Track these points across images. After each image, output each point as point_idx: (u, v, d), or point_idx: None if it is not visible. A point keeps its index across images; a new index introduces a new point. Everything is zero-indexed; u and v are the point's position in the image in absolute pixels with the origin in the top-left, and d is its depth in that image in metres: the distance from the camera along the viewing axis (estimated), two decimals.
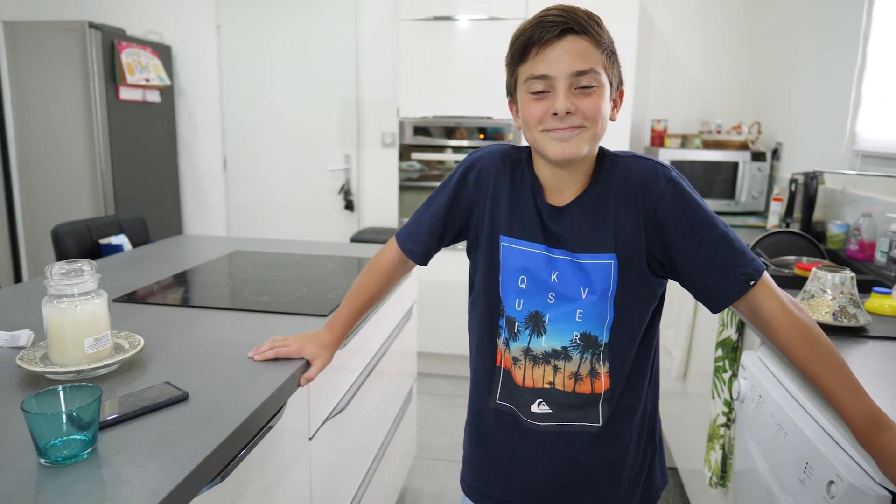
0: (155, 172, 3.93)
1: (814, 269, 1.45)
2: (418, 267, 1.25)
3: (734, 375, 1.68)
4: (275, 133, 4.05)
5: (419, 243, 1.17)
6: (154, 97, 3.83)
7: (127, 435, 0.90)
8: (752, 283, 0.97)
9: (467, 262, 1.17)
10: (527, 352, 1.05)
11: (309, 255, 2.13)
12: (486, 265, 1.09)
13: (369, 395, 1.73)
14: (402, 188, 3.44)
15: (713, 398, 1.75)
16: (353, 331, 1.48)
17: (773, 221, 2.75)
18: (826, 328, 1.32)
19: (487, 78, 3.22)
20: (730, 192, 3.18)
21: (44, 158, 3.53)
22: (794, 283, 1.76)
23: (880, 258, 2.04)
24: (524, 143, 1.06)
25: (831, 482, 0.99)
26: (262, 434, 1.06)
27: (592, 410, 1.04)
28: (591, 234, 1.00)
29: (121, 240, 2.40)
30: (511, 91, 1.04)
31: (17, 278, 3.76)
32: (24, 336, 1.25)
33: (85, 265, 1.11)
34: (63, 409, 0.86)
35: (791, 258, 2.09)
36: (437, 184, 1.29)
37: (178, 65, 4.05)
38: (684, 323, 2.25)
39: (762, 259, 2.04)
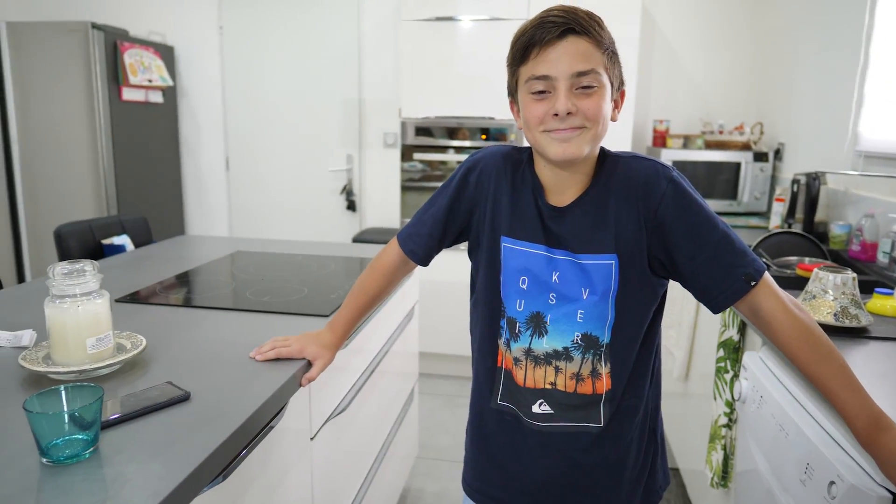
0: (157, 173, 3.94)
1: (815, 270, 1.45)
2: (420, 267, 1.26)
3: (736, 376, 1.67)
4: (277, 133, 4.05)
5: (420, 244, 1.18)
6: (157, 98, 3.84)
7: (128, 434, 0.90)
8: (752, 283, 0.97)
9: (469, 262, 1.17)
10: (528, 352, 1.05)
11: (311, 255, 2.14)
12: (487, 266, 1.09)
13: (371, 396, 1.74)
14: (404, 188, 3.44)
15: (715, 399, 1.75)
16: (355, 331, 1.49)
17: (775, 222, 2.75)
18: (827, 329, 1.32)
19: (489, 78, 3.22)
20: (732, 192, 3.18)
21: (47, 159, 3.54)
22: (795, 283, 1.76)
23: (882, 259, 2.03)
24: (526, 143, 1.06)
25: (832, 483, 0.99)
26: (264, 434, 1.06)
27: (594, 411, 1.04)
28: (592, 235, 1.01)
29: (123, 240, 2.40)
30: (512, 91, 1.04)
31: (20, 278, 3.77)
32: (27, 336, 1.26)
33: (87, 265, 1.11)
34: (65, 408, 0.87)
35: (793, 259, 2.08)
36: (439, 184, 1.30)
37: (181, 65, 4.06)
38: (686, 323, 2.25)
39: (764, 259, 2.05)
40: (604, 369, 1.03)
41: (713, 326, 1.91)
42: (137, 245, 2.47)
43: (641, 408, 1.08)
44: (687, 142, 3.35)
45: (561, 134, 0.95)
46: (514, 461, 1.11)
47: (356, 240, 3.62)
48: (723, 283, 0.98)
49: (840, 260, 2.20)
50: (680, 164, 3.18)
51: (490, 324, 1.10)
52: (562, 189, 1.03)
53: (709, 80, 3.61)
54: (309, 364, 1.20)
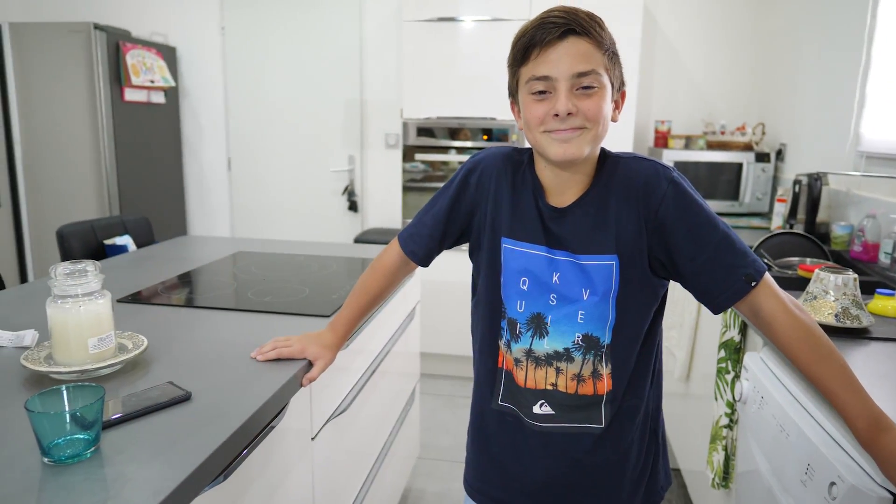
0: (159, 173, 3.94)
1: (816, 271, 1.45)
2: (421, 268, 1.26)
3: (737, 376, 1.67)
4: (279, 134, 4.06)
5: (420, 244, 1.18)
6: (159, 98, 3.85)
7: (130, 434, 0.90)
8: (753, 283, 0.97)
9: (470, 263, 1.17)
10: (529, 353, 1.05)
11: (312, 255, 2.14)
12: (488, 267, 1.09)
13: (372, 396, 1.74)
14: (406, 189, 3.44)
15: (716, 399, 1.75)
16: (356, 331, 1.49)
17: (776, 222, 2.75)
18: (828, 330, 1.32)
19: (491, 79, 3.22)
20: (734, 193, 3.17)
21: (49, 159, 3.55)
22: (797, 284, 1.76)
23: (884, 259, 2.03)
24: (527, 144, 1.06)
25: (833, 483, 0.99)
26: (265, 434, 1.06)
27: (595, 412, 1.04)
28: (593, 235, 1.01)
29: (125, 240, 2.41)
30: (513, 92, 1.04)
31: (23, 278, 3.78)
32: (29, 336, 1.26)
33: (89, 266, 1.11)
34: (66, 408, 0.87)
35: (795, 259, 2.08)
36: (441, 184, 1.30)
37: (183, 66, 4.07)
38: (687, 324, 2.25)
39: (765, 260, 2.05)
40: (605, 370, 1.03)
41: (714, 327, 1.91)
42: (139, 245, 2.48)
43: (642, 408, 1.08)
44: (689, 142, 3.35)
45: (561, 134, 0.95)
46: (514, 462, 1.11)
47: (358, 240, 3.62)
48: (723, 284, 0.98)
49: (842, 261, 2.20)
50: (682, 165, 3.18)
51: (491, 325, 1.11)
52: (562, 190, 1.03)
53: (710, 80, 3.61)
54: (310, 364, 1.21)
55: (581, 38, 0.93)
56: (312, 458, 1.31)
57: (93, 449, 0.85)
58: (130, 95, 3.60)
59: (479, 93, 3.26)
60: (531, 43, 0.94)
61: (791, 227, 2.60)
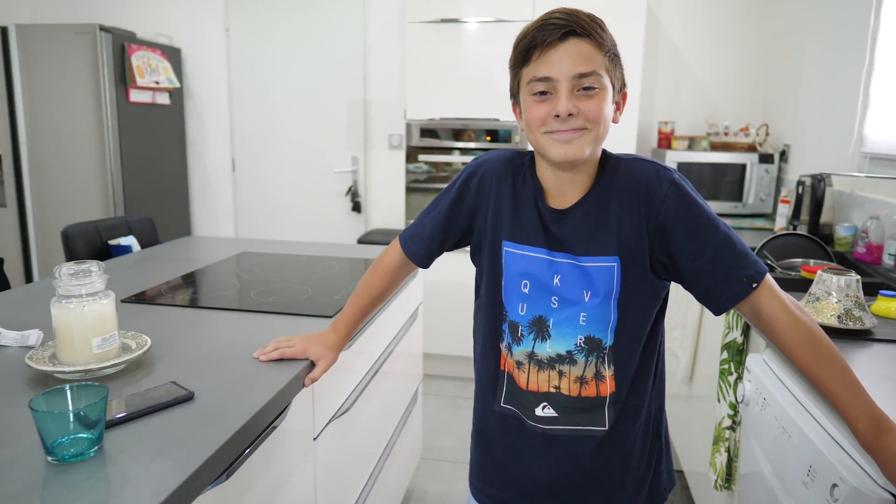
0: (164, 174, 3.96)
1: (819, 272, 1.45)
2: (423, 269, 1.27)
3: (739, 378, 1.67)
4: (283, 135, 4.07)
5: (421, 245, 1.19)
6: (163, 99, 3.86)
7: (133, 434, 0.91)
8: (754, 285, 0.97)
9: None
10: (531, 356, 1.05)
11: (315, 256, 2.14)
12: (489, 270, 1.10)
13: (374, 396, 1.74)
14: (410, 190, 3.44)
15: (718, 401, 1.75)
16: (359, 331, 1.49)
17: (780, 223, 2.74)
18: (831, 331, 1.32)
19: (494, 80, 3.23)
20: (737, 194, 3.17)
21: (54, 160, 3.57)
22: (800, 285, 1.75)
23: (888, 261, 2.03)
24: (530, 146, 1.07)
25: (834, 485, 0.99)
26: (267, 434, 1.07)
27: (599, 414, 1.04)
28: (594, 237, 1.01)
29: (130, 241, 2.42)
30: (514, 93, 1.04)
31: (28, 278, 3.80)
32: (34, 336, 1.27)
33: (93, 266, 1.12)
34: (70, 407, 0.88)
35: (798, 261, 2.08)
36: (445, 185, 1.31)
37: (188, 67, 4.08)
38: (690, 325, 2.25)
39: (768, 261, 2.04)
40: (607, 372, 1.03)
41: (717, 328, 1.91)
42: (144, 246, 2.49)
43: (644, 409, 1.08)
44: (692, 143, 3.35)
45: (562, 135, 0.96)
46: (516, 463, 1.11)
47: (361, 241, 3.63)
48: (724, 285, 0.98)
49: (845, 262, 2.20)
50: (685, 166, 3.18)
51: (492, 327, 1.11)
52: (563, 191, 1.03)
53: (714, 81, 3.60)
54: (312, 364, 1.21)
55: (582, 39, 0.93)
56: (314, 458, 1.31)
57: (96, 448, 0.85)
58: (135, 96, 3.61)
59: (483, 94, 3.27)
60: (532, 44, 0.95)
61: (794, 228, 2.59)
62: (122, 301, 1.57)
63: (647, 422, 1.10)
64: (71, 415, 0.85)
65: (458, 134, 3.35)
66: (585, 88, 0.94)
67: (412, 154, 3.40)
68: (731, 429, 1.67)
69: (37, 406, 0.83)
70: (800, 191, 2.59)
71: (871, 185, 2.35)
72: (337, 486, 1.47)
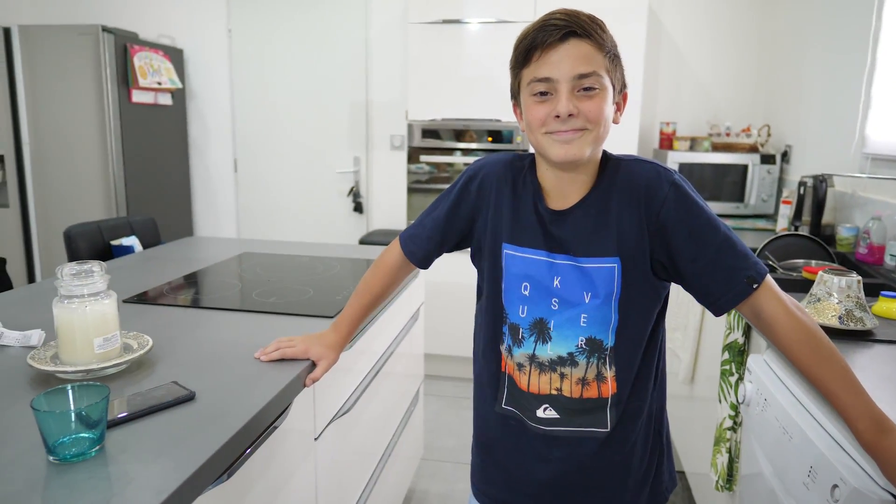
0: (166, 174, 3.96)
1: (820, 273, 1.44)
2: (426, 269, 1.27)
3: (740, 379, 1.67)
4: (285, 135, 4.07)
5: (420, 246, 1.19)
6: (166, 100, 3.87)
7: (134, 433, 0.91)
8: (755, 285, 0.97)
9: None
10: (532, 358, 1.05)
11: (317, 256, 2.15)
12: (490, 273, 1.10)
13: (375, 397, 1.74)
14: (411, 191, 3.45)
15: (720, 402, 1.75)
16: (360, 332, 1.50)
17: (782, 224, 2.74)
18: (832, 332, 1.32)
19: (496, 81, 3.23)
20: (739, 194, 3.17)
21: (57, 160, 3.58)
22: (801, 286, 1.75)
23: (890, 262, 2.02)
24: (532, 148, 1.07)
25: (835, 486, 0.99)
26: (268, 434, 1.07)
27: (601, 415, 1.04)
28: (594, 238, 1.01)
29: (132, 241, 2.42)
30: (515, 94, 1.04)
31: (31, 279, 3.80)
32: (36, 336, 1.27)
33: (95, 266, 1.12)
34: (72, 407, 0.88)
35: (799, 261, 2.08)
36: (446, 186, 1.31)
37: (190, 68, 4.09)
38: (692, 326, 2.24)
39: (770, 262, 2.04)
40: (609, 373, 1.03)
41: (718, 329, 1.91)
42: (146, 246, 2.49)
43: (645, 410, 1.08)
44: (694, 144, 3.35)
45: (563, 136, 0.96)
46: (518, 465, 1.11)
47: (363, 241, 3.63)
48: (725, 286, 0.98)
49: (847, 263, 2.19)
50: (687, 167, 3.18)
51: (493, 329, 1.11)
52: (564, 192, 1.04)
53: (716, 81, 3.60)
54: (313, 364, 1.21)
55: (582, 40, 0.94)
56: (315, 458, 1.32)
57: (97, 448, 0.85)
58: (138, 97, 3.62)
59: (485, 94, 3.27)
60: (532, 45, 0.95)
61: (796, 228, 2.59)
62: (124, 301, 1.57)
63: (649, 422, 1.10)
64: (72, 414, 0.85)
65: (459, 134, 3.35)
66: (586, 89, 0.95)
67: (414, 155, 3.41)
68: (733, 429, 1.67)
69: (38, 406, 0.83)
70: (801, 191, 2.59)
71: (872, 186, 2.35)
72: (338, 487, 1.47)
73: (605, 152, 1.05)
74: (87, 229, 2.32)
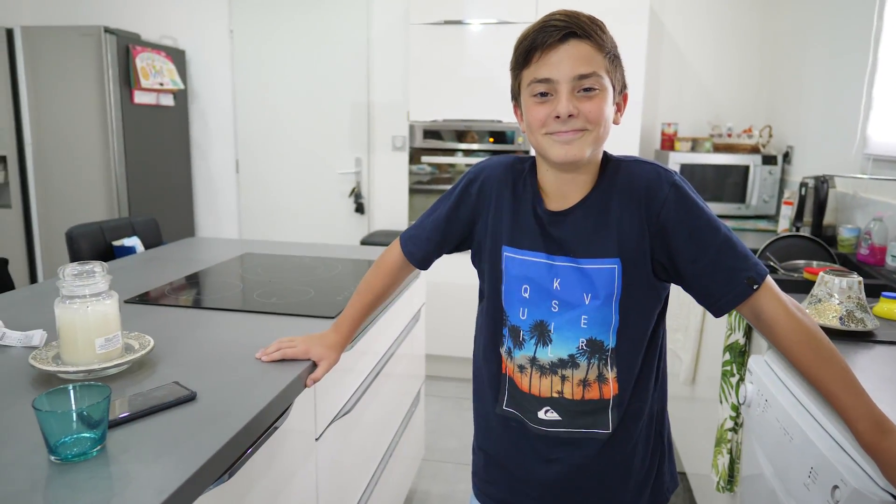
0: (168, 175, 3.97)
1: (821, 274, 1.44)
2: (427, 269, 1.27)
3: (741, 379, 1.67)
4: (286, 136, 4.08)
5: (419, 247, 1.20)
6: (168, 101, 3.88)
7: (135, 433, 0.91)
8: (755, 286, 0.97)
9: None
10: (533, 361, 1.05)
11: (318, 257, 2.15)
12: (490, 275, 1.10)
13: (376, 397, 1.75)
14: (413, 191, 3.45)
15: (721, 402, 1.74)
16: (361, 332, 1.50)
17: (783, 225, 2.74)
18: (833, 333, 1.32)
19: (497, 81, 3.23)
20: (740, 195, 3.16)
21: (59, 161, 3.58)
22: (803, 287, 1.75)
23: (891, 262, 2.02)
24: (533, 149, 1.07)
25: (836, 487, 0.99)
26: (269, 434, 1.07)
27: (602, 417, 1.04)
28: (594, 238, 1.01)
29: (134, 242, 2.43)
30: (515, 95, 1.05)
31: (33, 279, 3.81)
32: (38, 336, 1.28)
33: (96, 266, 1.13)
34: (73, 407, 0.88)
35: (801, 262, 2.07)
36: (448, 187, 1.31)
37: (192, 69, 4.10)
38: (693, 327, 2.24)
39: (771, 263, 2.04)
40: (610, 374, 1.03)
41: (719, 330, 1.91)
42: (147, 247, 2.50)
43: (646, 411, 1.08)
44: (695, 145, 3.34)
45: (563, 136, 0.96)
46: (519, 466, 1.11)
47: (364, 242, 3.64)
48: (725, 287, 0.98)
49: (848, 264, 2.19)
50: (688, 168, 3.18)
51: (493, 332, 1.11)
52: (564, 193, 1.04)
53: (717, 82, 3.60)
54: (314, 365, 1.22)
55: (582, 40, 0.94)
56: (316, 458, 1.32)
57: (99, 448, 0.86)
58: (140, 98, 3.63)
59: (486, 95, 3.27)
60: (533, 46, 0.95)
61: (798, 229, 2.59)
62: (126, 302, 1.57)
63: (650, 423, 1.10)
64: (74, 414, 0.85)
65: (461, 135, 3.35)
66: (586, 90, 0.95)
67: (415, 155, 3.41)
68: (734, 430, 1.67)
69: (40, 406, 0.84)
70: (803, 192, 2.59)
71: (874, 187, 2.34)
72: (339, 487, 1.47)
73: (605, 153, 1.05)
74: (88, 230, 2.32)
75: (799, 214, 2.61)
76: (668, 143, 3.43)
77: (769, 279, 0.98)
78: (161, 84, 3.71)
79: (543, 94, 0.96)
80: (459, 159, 3.38)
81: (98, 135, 3.50)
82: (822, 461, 1.04)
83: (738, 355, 1.68)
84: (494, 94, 3.25)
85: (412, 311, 2.11)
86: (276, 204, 4.18)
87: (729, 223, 2.72)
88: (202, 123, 4.16)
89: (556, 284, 1.03)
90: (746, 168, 3.14)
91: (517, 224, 1.06)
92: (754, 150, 3.24)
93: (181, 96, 4.01)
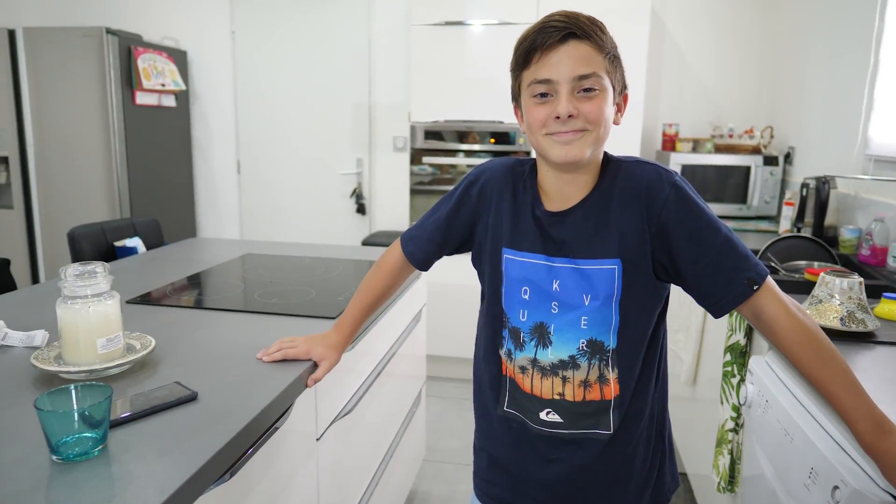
0: (170, 176, 3.98)
1: (822, 274, 1.44)
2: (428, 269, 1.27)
3: (742, 380, 1.67)
4: (288, 137, 4.08)
5: (420, 248, 1.20)
6: (169, 102, 3.88)
7: (136, 433, 0.92)
8: (755, 287, 0.97)
9: None
10: (534, 362, 1.06)
11: (319, 258, 2.15)
12: (490, 277, 1.11)
13: (377, 398, 1.75)
14: (414, 192, 3.45)
15: (722, 403, 1.74)
16: (362, 333, 1.50)
17: (784, 226, 2.74)
18: (833, 334, 1.32)
19: (499, 82, 3.23)
20: (742, 196, 3.16)
21: (61, 162, 3.59)
22: (804, 288, 1.75)
23: (892, 263, 2.02)
24: (534, 151, 1.07)
25: (836, 487, 0.99)
26: (269, 434, 1.07)
27: (604, 418, 1.04)
28: (595, 238, 1.01)
29: (135, 242, 2.43)
30: (515, 96, 1.05)
31: (35, 280, 3.82)
32: (39, 336, 1.28)
33: (98, 267, 1.13)
34: (75, 407, 0.88)
35: (802, 263, 2.07)
36: (449, 188, 1.31)
37: (194, 70, 4.11)
38: (694, 328, 2.24)
39: (772, 264, 2.04)
40: (611, 375, 1.03)
41: (720, 331, 1.91)
42: (149, 247, 2.50)
43: (647, 411, 1.08)
44: (696, 145, 3.34)
45: (563, 136, 0.96)
46: (520, 467, 1.12)
47: (366, 243, 3.64)
48: (725, 287, 0.98)
49: (850, 264, 2.19)
50: (689, 168, 3.18)
51: (493, 333, 1.12)
52: (565, 193, 1.04)
53: (718, 83, 3.60)
54: (315, 365, 1.22)
55: (582, 41, 0.94)
56: (317, 458, 1.32)
57: (100, 447, 0.86)
58: (141, 99, 3.63)
59: (487, 96, 3.27)
60: (532, 47, 0.95)
61: (799, 230, 2.59)
62: (127, 302, 1.58)
63: (651, 424, 1.10)
64: (76, 414, 0.85)
65: (462, 136, 3.36)
66: (586, 90, 0.95)
67: (417, 156, 3.41)
68: (734, 431, 1.67)
69: (42, 405, 0.84)
70: (804, 193, 2.59)
71: (875, 188, 2.34)
72: (340, 488, 1.47)
73: (606, 154, 1.05)
74: (90, 230, 2.33)
75: (800, 215, 2.61)
76: (670, 143, 3.42)
77: (770, 280, 0.98)
78: (163, 85, 3.72)
79: (543, 95, 0.97)
80: (461, 160, 3.38)
81: (100, 135, 3.51)
82: (823, 462, 1.04)
83: (739, 356, 1.68)
84: (495, 94, 3.25)
85: (413, 312, 2.11)
86: (277, 204, 4.19)
87: (730, 224, 2.71)
88: (204, 124, 4.16)
89: (555, 286, 1.03)
90: (748, 169, 3.14)
91: (517, 226, 1.06)
92: (755, 150, 3.24)
93: (183, 97, 4.02)
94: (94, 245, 2.31)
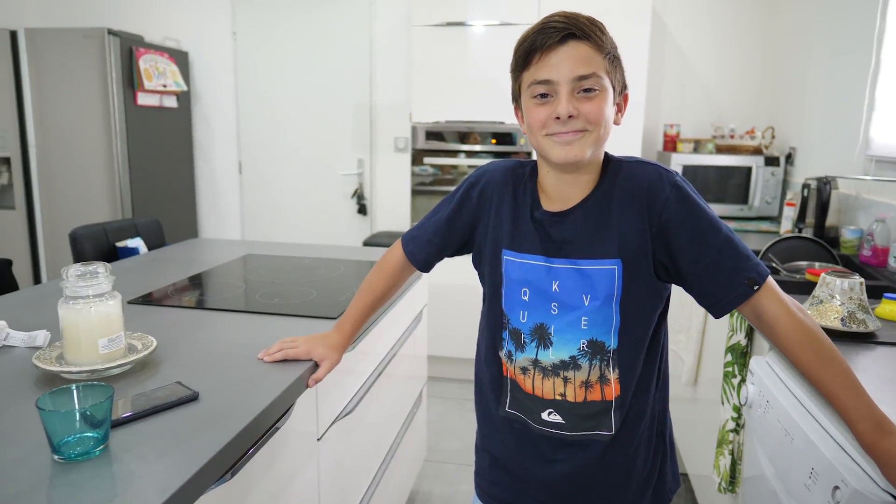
0: (171, 176, 3.98)
1: (822, 275, 1.44)
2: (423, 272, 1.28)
3: (743, 380, 1.67)
4: (289, 138, 4.09)
5: (421, 248, 1.20)
6: (171, 102, 3.89)
7: (138, 433, 0.92)
8: (756, 287, 0.97)
9: None
10: (535, 363, 1.06)
11: (320, 258, 2.15)
12: (490, 278, 1.11)
13: (378, 398, 1.75)
14: (415, 193, 3.45)
15: (722, 403, 1.74)
16: (363, 333, 1.50)
17: (785, 226, 2.74)
18: (834, 334, 1.32)
19: (500, 83, 3.23)
20: (743, 196, 3.16)
21: (63, 162, 3.60)
22: (805, 288, 1.75)
23: (893, 264, 2.02)
24: (535, 153, 1.07)
25: (836, 487, 0.99)
26: (270, 434, 1.08)
27: (605, 418, 1.05)
28: (595, 239, 1.01)
29: (137, 243, 2.43)
30: (516, 97, 1.05)
31: (37, 280, 3.82)
32: (41, 336, 1.28)
33: (100, 267, 1.13)
34: (76, 407, 0.88)
35: (803, 263, 2.07)
36: (450, 188, 1.32)
37: (195, 70, 4.11)
38: (695, 328, 2.24)
39: (773, 264, 2.04)
40: (612, 375, 1.03)
41: (721, 331, 1.91)
42: (151, 247, 2.51)
43: (648, 411, 1.08)
44: (698, 146, 3.34)
45: (563, 137, 0.96)
46: (522, 467, 1.12)
47: (367, 243, 3.64)
48: (726, 287, 0.98)
49: (851, 265, 2.19)
50: (691, 169, 3.17)
51: (495, 334, 1.12)
52: (565, 194, 1.04)
53: (720, 84, 3.60)
54: (316, 365, 1.22)
55: (581, 42, 0.94)
56: (318, 458, 1.32)
57: (101, 447, 0.86)
58: (143, 99, 3.64)
59: (488, 97, 3.28)
60: (532, 48, 0.96)
61: (800, 231, 2.59)
62: (129, 302, 1.58)
63: (652, 424, 1.10)
64: (77, 414, 0.85)
65: (463, 137, 3.36)
66: (586, 90, 0.95)
67: (418, 157, 3.41)
68: (735, 431, 1.67)
69: (44, 405, 0.84)
70: (805, 193, 2.59)
71: (876, 188, 2.34)
72: (340, 488, 1.47)
73: (606, 154, 1.05)
74: (92, 231, 2.33)
75: (801, 216, 2.61)
76: (671, 144, 3.42)
77: (770, 280, 0.99)
78: (164, 86, 3.73)
79: (543, 96, 0.97)
80: (462, 161, 3.38)
81: (101, 136, 3.51)
82: (823, 462, 1.04)
83: (740, 356, 1.68)
84: (497, 95, 3.25)
85: (414, 312, 2.11)
86: (278, 205, 4.19)
87: (731, 224, 2.71)
88: (205, 125, 4.17)
89: (554, 287, 1.03)
90: (749, 169, 3.14)
91: (517, 228, 1.07)
92: (757, 151, 3.24)
93: (184, 98, 4.02)
94: (96, 245, 2.31)
